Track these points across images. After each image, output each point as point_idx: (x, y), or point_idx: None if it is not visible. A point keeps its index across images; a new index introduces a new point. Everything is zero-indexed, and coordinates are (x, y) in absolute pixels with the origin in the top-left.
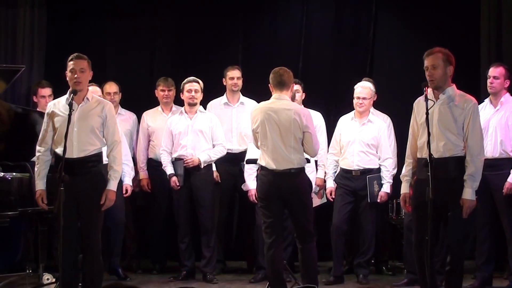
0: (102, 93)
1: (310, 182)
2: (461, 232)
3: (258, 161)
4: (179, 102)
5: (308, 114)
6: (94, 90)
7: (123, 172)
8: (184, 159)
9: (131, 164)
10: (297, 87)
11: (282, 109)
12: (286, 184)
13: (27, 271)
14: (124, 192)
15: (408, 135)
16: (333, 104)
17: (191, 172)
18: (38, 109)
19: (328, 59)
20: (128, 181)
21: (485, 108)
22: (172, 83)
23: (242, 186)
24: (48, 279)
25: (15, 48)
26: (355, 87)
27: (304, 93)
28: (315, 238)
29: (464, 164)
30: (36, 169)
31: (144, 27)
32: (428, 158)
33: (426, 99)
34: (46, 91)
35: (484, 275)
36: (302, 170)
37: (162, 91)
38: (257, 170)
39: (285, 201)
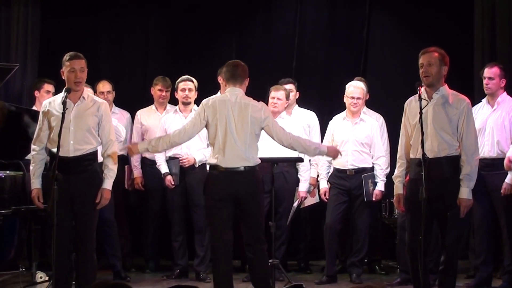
0: (95, 92)
1: (263, 183)
2: (456, 232)
3: (207, 160)
4: (173, 101)
5: (265, 106)
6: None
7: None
8: (180, 158)
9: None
10: (290, 86)
11: (238, 103)
12: (241, 184)
13: (20, 269)
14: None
15: (400, 135)
16: (326, 103)
17: (186, 171)
18: (35, 105)
19: (322, 58)
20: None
21: (482, 108)
22: (170, 84)
23: None
24: (41, 277)
25: (9, 47)
26: (347, 86)
27: (298, 92)
28: (266, 246)
29: (458, 163)
30: (31, 167)
31: (138, 26)
32: (422, 158)
33: (420, 99)
34: (51, 87)
35: (482, 275)
36: (256, 168)
37: (160, 91)
38: None
39: (238, 203)
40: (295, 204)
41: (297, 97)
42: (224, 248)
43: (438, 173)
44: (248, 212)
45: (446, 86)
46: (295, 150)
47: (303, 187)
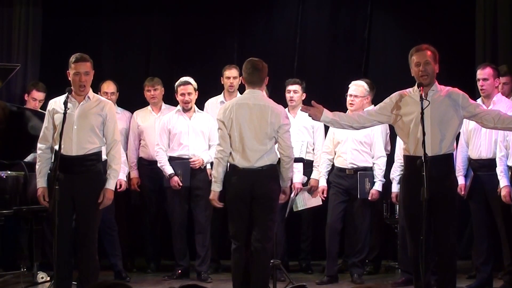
0: (99, 91)
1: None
2: (452, 230)
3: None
4: (173, 101)
5: (284, 112)
6: None
7: None
8: (191, 160)
9: (124, 158)
10: (296, 87)
11: (257, 105)
12: (258, 182)
13: (22, 270)
14: (118, 187)
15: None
16: (328, 103)
17: (190, 172)
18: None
19: (323, 58)
20: (121, 176)
21: None
22: (158, 82)
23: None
24: (42, 277)
25: (10, 47)
26: (350, 85)
27: (305, 94)
28: (273, 242)
29: (452, 161)
30: (37, 166)
31: (140, 26)
32: (423, 158)
33: (422, 99)
34: (40, 95)
35: (483, 276)
36: (274, 167)
37: (148, 91)
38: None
39: (254, 200)
40: (292, 195)
41: (303, 98)
42: (242, 248)
43: (436, 170)
44: (261, 209)
45: (437, 82)
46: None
47: (297, 178)
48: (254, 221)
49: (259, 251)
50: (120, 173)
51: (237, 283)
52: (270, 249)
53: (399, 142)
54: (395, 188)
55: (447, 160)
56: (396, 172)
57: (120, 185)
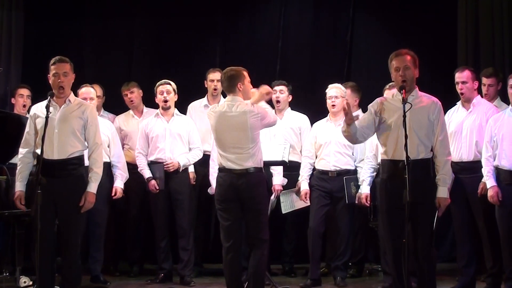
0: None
1: (267, 185)
2: (428, 234)
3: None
4: (155, 104)
5: (262, 109)
6: (87, 91)
7: (115, 174)
8: (164, 163)
9: (124, 162)
10: (282, 87)
11: (236, 112)
12: (244, 184)
13: (4, 274)
14: (113, 194)
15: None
16: (310, 106)
17: (169, 175)
18: (15, 111)
19: (306, 61)
20: (119, 184)
21: (457, 111)
22: (133, 85)
23: (208, 190)
24: (25, 282)
25: None
26: (327, 90)
27: (291, 96)
28: (267, 245)
29: (429, 165)
30: (17, 170)
31: (122, 29)
32: (405, 161)
33: (404, 102)
34: (25, 91)
35: (466, 279)
36: (260, 170)
37: (125, 96)
38: None
39: (242, 202)
40: (272, 197)
41: (289, 99)
42: (233, 247)
43: (412, 175)
44: (248, 213)
45: (417, 88)
46: None
47: (277, 180)
48: (245, 224)
49: (251, 255)
50: (118, 180)
51: (228, 284)
52: (262, 252)
53: (370, 145)
54: (366, 189)
55: (425, 165)
56: (366, 173)
57: (115, 192)
